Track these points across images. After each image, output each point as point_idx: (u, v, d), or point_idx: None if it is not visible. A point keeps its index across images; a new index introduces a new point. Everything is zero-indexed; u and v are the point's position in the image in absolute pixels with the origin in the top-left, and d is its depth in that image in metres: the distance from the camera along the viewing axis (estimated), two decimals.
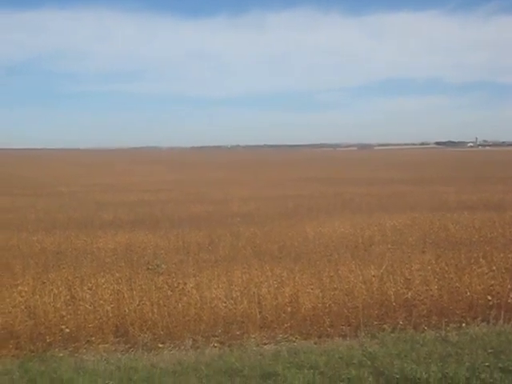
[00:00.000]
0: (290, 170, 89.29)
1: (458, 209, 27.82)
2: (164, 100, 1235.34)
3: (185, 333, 11.93)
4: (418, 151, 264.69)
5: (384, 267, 14.10)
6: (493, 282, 13.42)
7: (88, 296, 12.80)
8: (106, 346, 11.61)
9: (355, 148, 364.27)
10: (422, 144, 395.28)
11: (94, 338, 11.77)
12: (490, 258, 14.78)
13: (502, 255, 15.19)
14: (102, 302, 12.60)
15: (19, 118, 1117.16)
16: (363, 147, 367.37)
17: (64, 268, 15.20)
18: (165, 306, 12.55)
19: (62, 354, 11.07)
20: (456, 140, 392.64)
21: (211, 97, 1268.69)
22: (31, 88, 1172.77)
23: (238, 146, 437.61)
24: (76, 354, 11.19)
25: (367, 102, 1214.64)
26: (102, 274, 14.21)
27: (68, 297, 12.88)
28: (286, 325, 12.18)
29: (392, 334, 11.55)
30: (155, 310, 12.41)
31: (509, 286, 13.26)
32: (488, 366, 9.52)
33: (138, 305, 12.54)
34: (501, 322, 12.17)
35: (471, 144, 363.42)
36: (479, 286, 13.29)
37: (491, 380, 9.08)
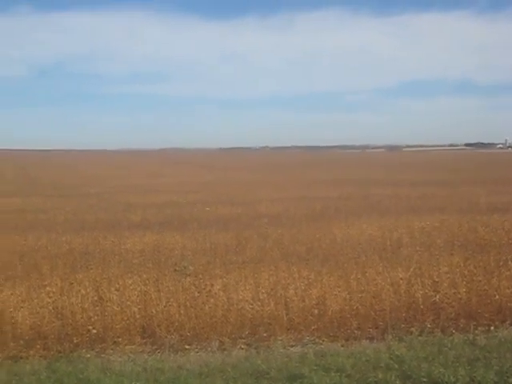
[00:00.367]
0: (318, 172, 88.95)
1: (488, 211, 27.44)
2: (192, 101, 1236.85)
3: (211, 334, 11.96)
4: (447, 152, 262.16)
5: (412, 269, 13.98)
6: None
7: (115, 297, 12.87)
8: (133, 347, 11.69)
9: (383, 149, 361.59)
10: (451, 145, 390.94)
11: (120, 339, 11.85)
12: None
13: None
14: (129, 303, 12.67)
15: (49, 119, 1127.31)
16: (392, 149, 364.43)
17: (92, 269, 15.33)
18: (192, 307, 12.58)
19: (88, 355, 11.19)
20: (485, 141, 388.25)
21: (239, 98, 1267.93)
22: (61, 89, 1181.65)
23: (267, 147, 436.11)
24: (103, 355, 11.29)
25: (396, 104, 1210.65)
26: (129, 275, 14.28)
27: (95, 298, 12.97)
28: (312, 327, 12.15)
29: (419, 337, 11.46)
30: (182, 312, 12.45)
31: None
32: None
33: (164, 306, 12.59)
34: None
35: (501, 145, 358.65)
36: (508, 289, 13.14)
37: None
